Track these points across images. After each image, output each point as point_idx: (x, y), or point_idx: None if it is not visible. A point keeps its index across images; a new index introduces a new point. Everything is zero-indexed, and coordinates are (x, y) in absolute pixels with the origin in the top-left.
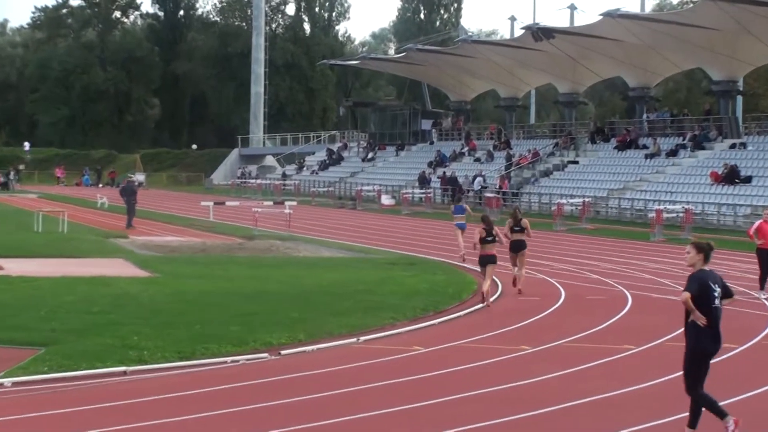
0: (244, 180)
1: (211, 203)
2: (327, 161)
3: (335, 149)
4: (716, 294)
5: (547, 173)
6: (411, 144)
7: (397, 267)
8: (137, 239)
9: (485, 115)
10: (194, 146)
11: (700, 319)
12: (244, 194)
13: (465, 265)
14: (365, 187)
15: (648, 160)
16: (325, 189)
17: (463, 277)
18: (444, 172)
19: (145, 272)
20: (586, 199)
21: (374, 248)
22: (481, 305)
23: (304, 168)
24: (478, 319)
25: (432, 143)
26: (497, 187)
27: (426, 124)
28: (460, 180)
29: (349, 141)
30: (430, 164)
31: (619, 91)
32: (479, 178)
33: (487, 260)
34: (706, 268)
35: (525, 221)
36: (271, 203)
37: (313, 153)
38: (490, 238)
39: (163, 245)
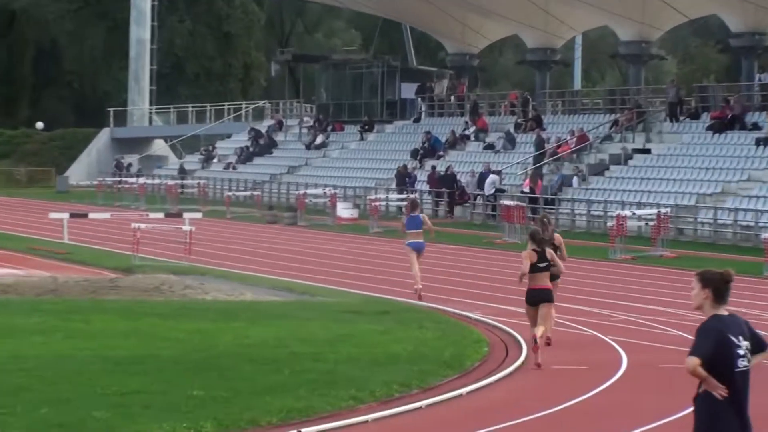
0: (119, 178)
1: (65, 216)
2: (251, 149)
3: (264, 130)
4: (741, 352)
5: (600, 169)
6: (384, 122)
7: (362, 317)
8: None
9: (503, 76)
10: (39, 125)
11: (718, 389)
12: (119, 201)
13: (424, 303)
14: (312, 191)
15: (761, 147)
16: (248, 193)
17: (467, 333)
18: (434, 167)
19: None
20: (663, 211)
21: (326, 288)
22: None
23: (215, 159)
24: (498, 397)
25: (418, 120)
26: (522, 190)
27: (408, 91)
28: (462, 179)
29: (287, 117)
30: (414, 154)
31: (716, 39)
32: (492, 177)
33: (539, 297)
34: (723, 312)
35: (558, 237)
36: (161, 215)
37: (229, 136)
38: (543, 265)
39: None
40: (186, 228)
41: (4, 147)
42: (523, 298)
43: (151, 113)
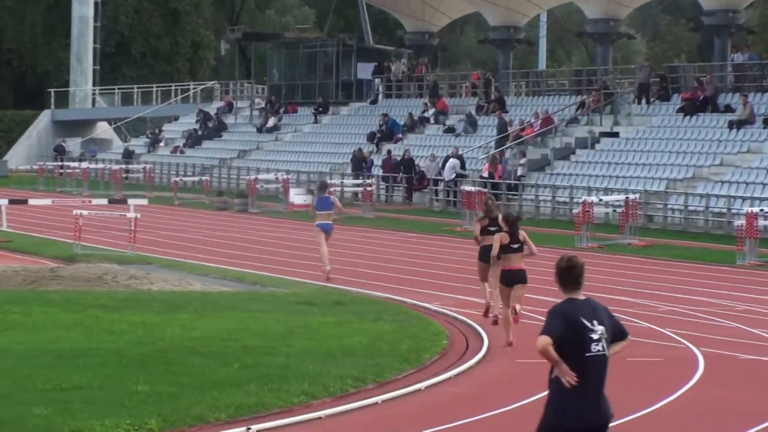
0: (60, 163)
1: (3, 202)
2: (200, 132)
3: (213, 112)
4: (595, 336)
5: (566, 153)
6: (339, 103)
7: (316, 308)
8: None
9: (464, 55)
10: None
11: (567, 375)
12: (61, 187)
13: (334, 285)
14: (263, 176)
15: (734, 131)
16: (196, 178)
17: (426, 325)
18: (389, 151)
19: None
20: (631, 197)
21: (278, 278)
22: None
23: (161, 143)
24: (457, 391)
25: (375, 102)
26: (483, 175)
27: (365, 71)
28: (421, 164)
29: (237, 98)
30: (371, 137)
31: (687, 17)
32: (452, 161)
33: (514, 277)
34: (578, 296)
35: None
36: (105, 202)
37: (177, 118)
38: (516, 246)
39: None
40: (131, 215)
41: None
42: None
43: (94, 94)
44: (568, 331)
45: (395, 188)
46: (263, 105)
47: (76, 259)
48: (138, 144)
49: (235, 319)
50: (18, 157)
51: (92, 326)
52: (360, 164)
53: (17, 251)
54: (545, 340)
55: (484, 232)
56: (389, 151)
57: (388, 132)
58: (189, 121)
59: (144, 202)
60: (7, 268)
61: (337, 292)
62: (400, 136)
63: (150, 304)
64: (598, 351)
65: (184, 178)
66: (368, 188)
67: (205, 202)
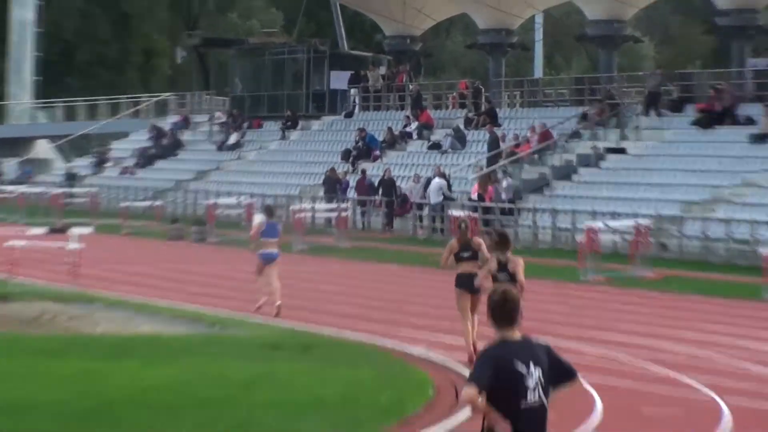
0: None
1: None
2: (152, 150)
3: (168, 128)
4: (531, 383)
5: (566, 172)
6: (310, 117)
7: (283, 353)
8: None
9: (450, 62)
10: None
11: (500, 425)
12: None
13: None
14: (224, 200)
15: (756, 146)
16: (148, 203)
17: (409, 372)
18: (363, 171)
19: None
20: (642, 222)
21: (239, 318)
22: None
23: (109, 163)
24: None
25: (350, 115)
26: (472, 197)
27: (339, 80)
28: (403, 186)
29: (195, 112)
30: (346, 155)
31: (702, 19)
32: (438, 182)
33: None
34: (513, 335)
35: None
36: (43, 231)
37: (126, 135)
38: (502, 275)
39: None
40: (73, 246)
41: None
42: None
43: (34, 109)
44: (499, 379)
45: (373, 213)
46: (224, 119)
47: (9, 297)
48: (82, 164)
49: (190, 366)
50: None
51: (26, 375)
52: (334, 186)
53: None
54: (470, 392)
55: (457, 258)
56: (363, 171)
57: (366, 149)
58: (140, 138)
59: (88, 230)
60: None
61: (306, 334)
62: (378, 153)
63: (94, 348)
64: (535, 401)
65: (135, 203)
66: (343, 213)
67: (157, 231)
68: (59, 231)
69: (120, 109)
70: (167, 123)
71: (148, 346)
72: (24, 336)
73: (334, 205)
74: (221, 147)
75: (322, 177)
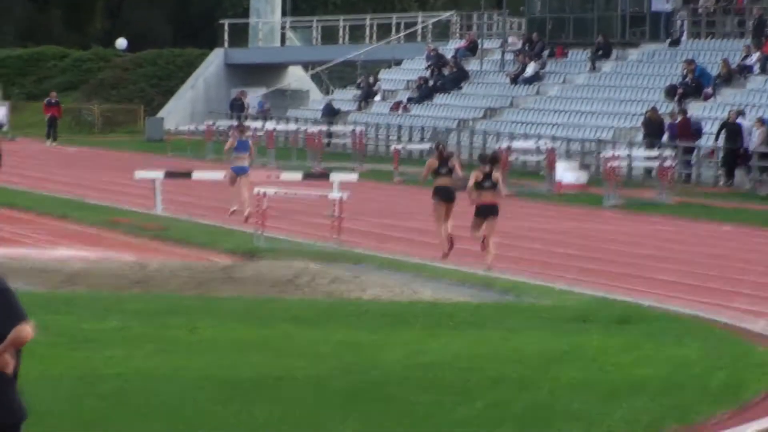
0: (237, 122)
1: (158, 175)
2: (431, 82)
3: (450, 55)
4: None
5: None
6: (627, 44)
7: (593, 327)
8: None
9: None
10: (121, 43)
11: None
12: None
13: (231, 225)
14: (519, 144)
15: None
16: (425, 146)
17: (746, 352)
18: (684, 112)
19: None
20: None
21: (537, 284)
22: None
23: (377, 97)
24: None
25: (676, 43)
26: None
27: (661, 0)
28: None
29: (483, 36)
30: (671, 92)
31: None
32: None
33: (487, 211)
34: None
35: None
36: (298, 177)
37: (399, 63)
38: (487, 184)
39: (48, 270)
40: (334, 195)
41: (70, 75)
42: None
43: (283, 29)
44: None
45: (703, 163)
46: (519, 46)
47: (258, 254)
48: (345, 98)
49: (480, 340)
50: (178, 113)
51: (281, 347)
52: (655, 129)
53: (177, 243)
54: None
55: (435, 174)
56: (684, 112)
57: (695, 85)
58: (416, 67)
59: (353, 177)
60: (163, 265)
61: (621, 304)
62: (710, 91)
63: (361, 317)
64: None
65: (409, 145)
66: (667, 162)
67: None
68: (317, 177)
69: (390, 31)
70: (449, 49)
71: (428, 316)
72: (278, 300)
73: (655, 153)
74: (516, 79)
75: (641, 118)
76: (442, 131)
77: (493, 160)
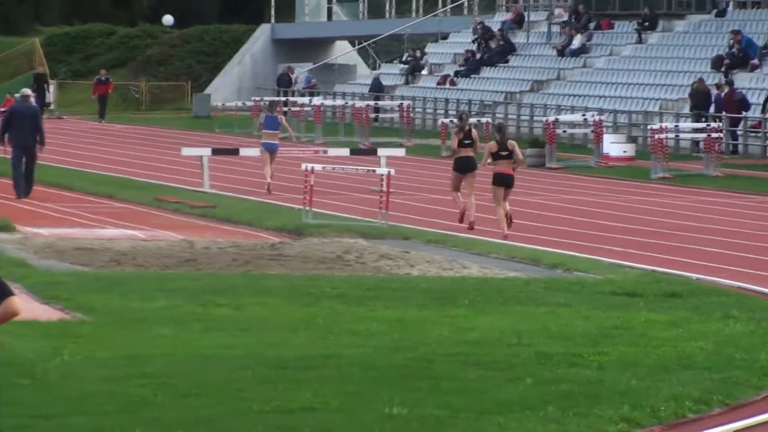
0: (284, 98)
1: (205, 152)
2: (478, 55)
3: (497, 28)
4: None
5: None
6: (673, 15)
7: (641, 302)
8: (38, 233)
9: None
10: (168, 19)
11: None
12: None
13: (277, 202)
14: (567, 117)
15: None
16: (474, 120)
17: None
18: (731, 84)
19: (57, 311)
20: None
21: (585, 258)
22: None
23: (424, 70)
24: None
25: (722, 14)
26: None
27: None
28: None
29: (530, 9)
30: (717, 63)
31: None
32: None
33: (504, 180)
34: None
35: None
36: (346, 153)
37: (445, 36)
38: (504, 153)
39: (96, 249)
40: (382, 171)
41: (116, 52)
42: None
43: (330, 3)
44: None
45: (750, 135)
46: (566, 18)
47: (305, 231)
48: (392, 72)
49: (528, 317)
50: (225, 90)
51: (328, 325)
52: (702, 101)
53: (224, 220)
54: None
55: (460, 144)
56: (730, 83)
57: (742, 56)
58: (463, 41)
59: (400, 152)
60: (211, 243)
61: (670, 278)
62: (757, 62)
63: (409, 294)
64: None
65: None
66: (714, 134)
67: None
68: (365, 153)
69: (437, 4)
70: (496, 22)
71: (476, 292)
72: (324, 278)
73: (702, 125)
74: (563, 52)
75: (688, 89)
76: (489, 104)
77: (500, 129)
